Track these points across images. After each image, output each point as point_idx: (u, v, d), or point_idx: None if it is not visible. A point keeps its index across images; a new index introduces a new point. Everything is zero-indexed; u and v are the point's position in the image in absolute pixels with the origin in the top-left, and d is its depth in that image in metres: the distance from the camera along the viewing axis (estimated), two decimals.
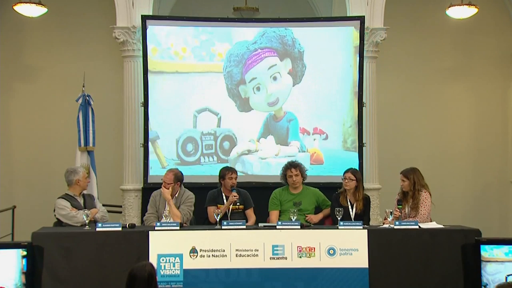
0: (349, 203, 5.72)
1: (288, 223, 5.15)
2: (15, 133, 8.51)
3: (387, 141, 8.21)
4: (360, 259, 4.97)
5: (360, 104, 7.08)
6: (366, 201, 5.82)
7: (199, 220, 6.00)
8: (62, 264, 4.85)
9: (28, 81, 8.52)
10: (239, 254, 4.95)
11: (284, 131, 7.07)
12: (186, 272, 4.91)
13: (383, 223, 5.43)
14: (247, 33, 7.05)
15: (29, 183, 8.37)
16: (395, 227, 5.11)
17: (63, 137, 8.09)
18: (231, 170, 5.92)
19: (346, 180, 5.75)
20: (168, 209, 5.53)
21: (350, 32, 7.08)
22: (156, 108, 6.93)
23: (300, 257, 4.97)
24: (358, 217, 5.63)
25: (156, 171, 6.83)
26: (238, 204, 5.81)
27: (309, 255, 4.98)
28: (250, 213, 5.90)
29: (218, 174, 5.99)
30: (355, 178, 5.76)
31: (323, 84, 7.10)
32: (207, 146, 6.99)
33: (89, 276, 4.86)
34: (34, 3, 7.17)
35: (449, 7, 7.55)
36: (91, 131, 6.90)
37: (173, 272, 4.89)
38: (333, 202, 5.75)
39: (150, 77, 6.89)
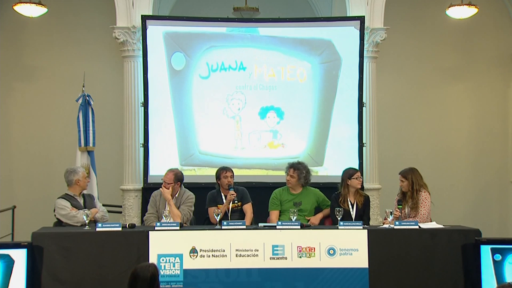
0: (349, 203, 5.72)
1: (288, 223, 5.15)
2: (15, 133, 8.50)
3: (387, 141, 8.22)
4: (360, 259, 4.97)
5: (360, 104, 7.09)
6: (366, 201, 5.82)
7: (199, 220, 6.01)
8: (62, 264, 4.84)
9: (28, 81, 8.52)
10: (239, 254, 4.95)
11: None
12: (186, 272, 4.91)
13: (383, 223, 5.43)
14: None
15: (29, 183, 8.37)
16: (395, 227, 5.10)
17: (63, 137, 8.10)
18: (226, 169, 5.93)
19: (358, 179, 5.75)
20: (168, 209, 5.53)
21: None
22: None
23: (300, 257, 4.97)
24: (358, 216, 5.64)
25: (156, 171, 6.83)
26: (236, 201, 5.82)
27: (309, 255, 4.98)
28: (247, 208, 5.90)
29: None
30: (361, 177, 5.91)
31: None
32: None
33: (89, 276, 4.85)
34: (34, 3, 7.17)
35: (449, 7, 7.55)
36: (91, 131, 6.90)
37: (173, 272, 4.89)
38: (333, 202, 5.75)
39: None
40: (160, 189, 5.70)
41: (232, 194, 5.73)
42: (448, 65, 8.88)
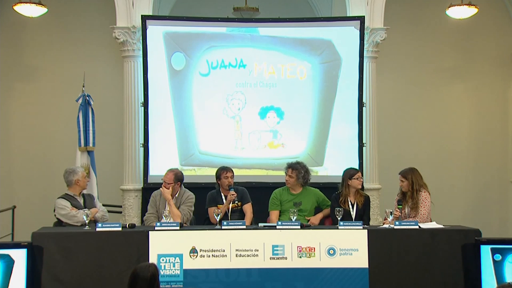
0: (349, 203, 5.72)
1: (288, 223, 5.15)
2: (15, 133, 8.50)
3: (387, 141, 8.21)
4: (360, 259, 4.97)
5: (360, 104, 7.09)
6: (366, 201, 5.82)
7: (199, 220, 6.00)
8: (62, 264, 4.84)
9: (28, 81, 8.52)
10: (239, 254, 4.95)
11: None
12: (186, 272, 4.91)
13: (383, 223, 5.43)
14: None
15: (29, 183, 8.37)
16: (395, 227, 5.10)
17: (63, 137, 8.09)
18: (226, 169, 5.92)
19: (359, 180, 5.76)
20: (168, 209, 5.53)
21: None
22: None
23: (300, 257, 4.97)
24: (358, 216, 5.64)
25: (156, 171, 6.83)
26: (236, 201, 5.82)
27: (309, 255, 4.98)
28: (247, 208, 5.90)
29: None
30: (362, 177, 5.90)
31: None
32: None
33: (89, 276, 4.85)
34: (34, 3, 7.17)
35: (449, 7, 7.55)
36: (91, 131, 6.90)
37: (173, 272, 4.89)
38: (333, 202, 5.75)
39: None
40: (160, 189, 5.70)
41: (232, 195, 5.73)
42: (448, 65, 8.88)
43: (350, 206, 5.71)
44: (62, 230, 5.17)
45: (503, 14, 8.90)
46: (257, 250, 4.96)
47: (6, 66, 8.42)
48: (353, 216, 5.66)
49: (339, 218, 5.20)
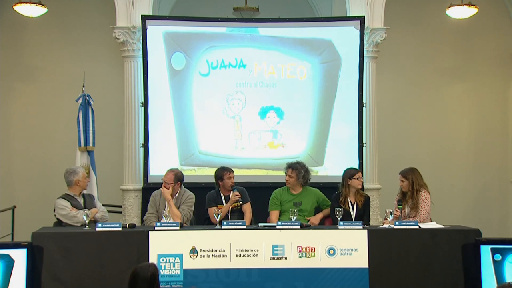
0: (349, 203, 5.72)
1: (288, 223, 5.15)
2: (15, 133, 8.50)
3: (387, 141, 8.22)
4: (360, 259, 4.97)
5: (360, 104, 7.09)
6: (366, 201, 5.82)
7: (199, 220, 6.01)
8: (62, 264, 4.84)
9: (28, 81, 8.52)
10: (239, 254, 4.95)
11: None
12: (186, 272, 4.91)
13: (383, 223, 5.43)
14: None
15: (29, 183, 8.37)
16: (395, 227, 5.10)
17: (63, 137, 8.10)
18: (228, 170, 5.92)
19: (359, 180, 5.76)
20: (168, 209, 5.53)
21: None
22: None
23: (300, 257, 4.97)
24: (358, 216, 5.64)
25: (156, 171, 6.83)
26: (240, 201, 5.82)
27: (309, 255, 4.98)
28: (246, 208, 5.90)
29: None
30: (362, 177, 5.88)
31: None
32: None
33: (89, 276, 4.85)
34: (34, 3, 7.18)
35: (449, 7, 7.55)
36: (91, 131, 6.90)
37: (173, 272, 4.89)
38: (333, 202, 5.75)
39: None
40: (160, 189, 5.70)
41: (236, 195, 5.73)
42: (448, 65, 8.89)
43: (350, 206, 5.71)
44: (62, 230, 5.17)
45: (503, 14, 8.90)
46: (257, 250, 4.96)
47: (6, 66, 8.43)
48: (353, 216, 5.66)
49: (339, 218, 5.20)
